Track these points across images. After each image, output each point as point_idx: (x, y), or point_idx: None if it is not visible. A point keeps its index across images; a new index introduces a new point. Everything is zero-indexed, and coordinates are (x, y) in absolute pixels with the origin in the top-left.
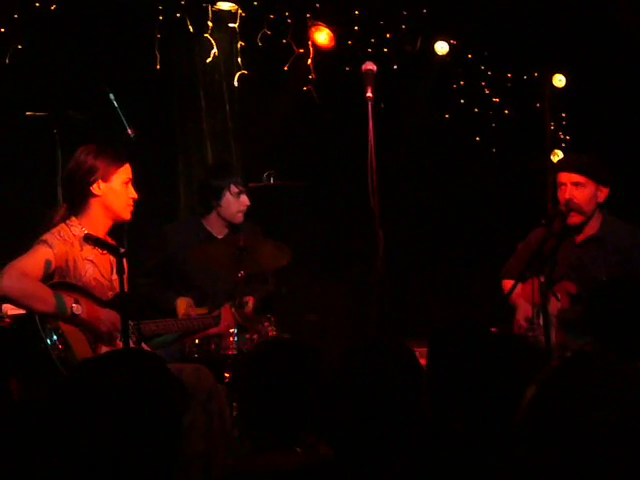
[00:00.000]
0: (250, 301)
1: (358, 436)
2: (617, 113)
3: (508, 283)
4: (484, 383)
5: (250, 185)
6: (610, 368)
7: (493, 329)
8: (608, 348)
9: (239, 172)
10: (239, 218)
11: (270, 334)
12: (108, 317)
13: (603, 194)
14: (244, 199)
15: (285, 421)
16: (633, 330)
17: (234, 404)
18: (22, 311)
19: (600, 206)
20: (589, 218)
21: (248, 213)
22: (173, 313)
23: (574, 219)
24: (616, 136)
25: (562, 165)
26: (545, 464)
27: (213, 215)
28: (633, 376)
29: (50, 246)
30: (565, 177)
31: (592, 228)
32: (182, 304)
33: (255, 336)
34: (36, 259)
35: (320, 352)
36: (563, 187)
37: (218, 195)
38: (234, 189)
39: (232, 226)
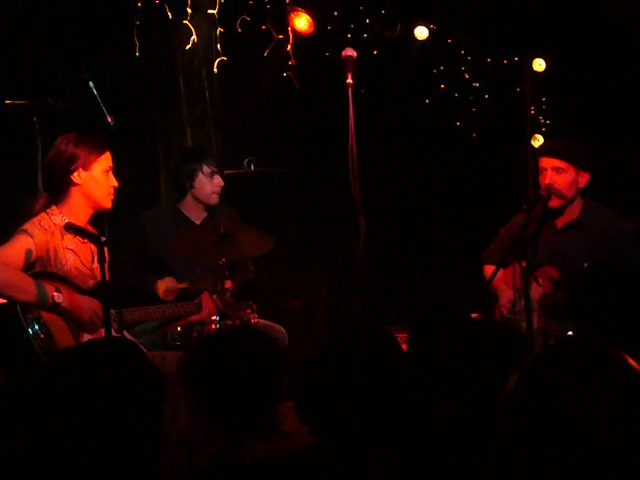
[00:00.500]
0: (229, 286)
1: (341, 424)
2: (597, 97)
3: (489, 268)
4: (465, 368)
5: (229, 172)
6: (592, 356)
7: (474, 315)
8: (590, 335)
9: (212, 154)
10: (214, 199)
11: (252, 321)
12: (89, 305)
13: (584, 179)
14: (218, 179)
15: (257, 411)
16: (614, 316)
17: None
18: (3, 301)
19: (581, 191)
20: (570, 202)
21: (228, 200)
22: (154, 297)
23: (554, 202)
24: (597, 120)
25: (543, 150)
26: (527, 453)
27: (188, 199)
28: (615, 363)
29: (31, 235)
30: (546, 162)
31: (573, 213)
32: (162, 285)
33: (237, 322)
34: (17, 249)
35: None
36: (544, 172)
37: (191, 177)
38: (206, 169)
39: (210, 211)
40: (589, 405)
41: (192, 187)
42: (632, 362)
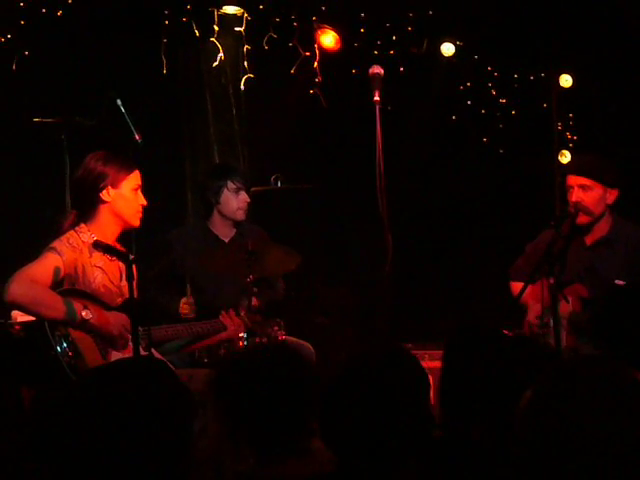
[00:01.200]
0: (255, 304)
1: (361, 443)
2: (624, 113)
3: (516, 284)
4: (499, 386)
5: (256, 189)
6: (606, 375)
7: (504, 331)
8: (610, 354)
9: (239, 171)
10: (239, 215)
11: (280, 338)
12: (118, 320)
13: (612, 196)
14: (243, 195)
15: (287, 430)
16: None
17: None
18: (31, 318)
19: (610, 207)
20: (598, 219)
21: (255, 217)
22: (177, 315)
23: (582, 219)
24: (624, 136)
25: (569, 168)
26: (541, 469)
27: (215, 215)
28: (629, 384)
29: (59, 253)
30: (572, 180)
31: (602, 230)
32: (184, 303)
33: (264, 340)
34: (45, 266)
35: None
36: (571, 190)
37: (217, 193)
38: (231, 185)
39: (239, 228)
40: (600, 424)
41: (218, 203)
42: None
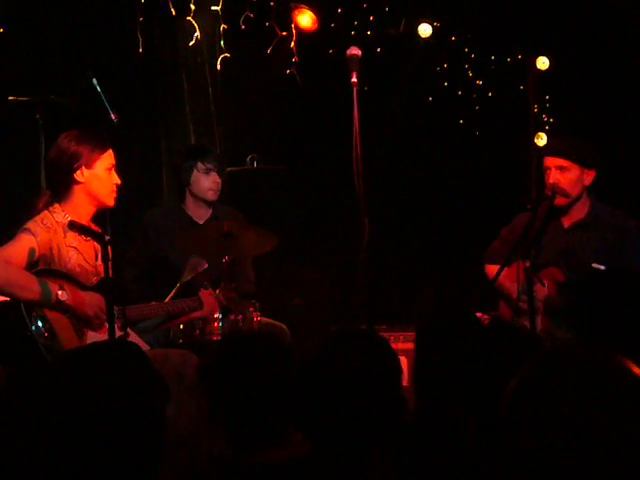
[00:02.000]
0: (231, 284)
1: (334, 429)
2: (601, 95)
3: (491, 268)
4: (472, 370)
5: (232, 169)
6: (591, 361)
7: (479, 314)
8: (591, 340)
9: (210, 152)
10: (210, 195)
11: (255, 319)
12: (94, 301)
13: (589, 177)
14: (213, 176)
15: (267, 416)
16: (617, 322)
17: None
18: (5, 299)
19: (587, 189)
20: (575, 201)
21: (231, 198)
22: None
23: (559, 201)
24: (600, 118)
25: (546, 149)
26: (526, 457)
27: (188, 196)
28: (615, 369)
29: (33, 234)
30: (550, 161)
31: (580, 213)
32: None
33: (240, 317)
34: (19, 247)
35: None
36: (548, 171)
37: (188, 173)
38: (201, 166)
39: (214, 209)
40: (587, 411)
41: (189, 184)
42: (634, 368)
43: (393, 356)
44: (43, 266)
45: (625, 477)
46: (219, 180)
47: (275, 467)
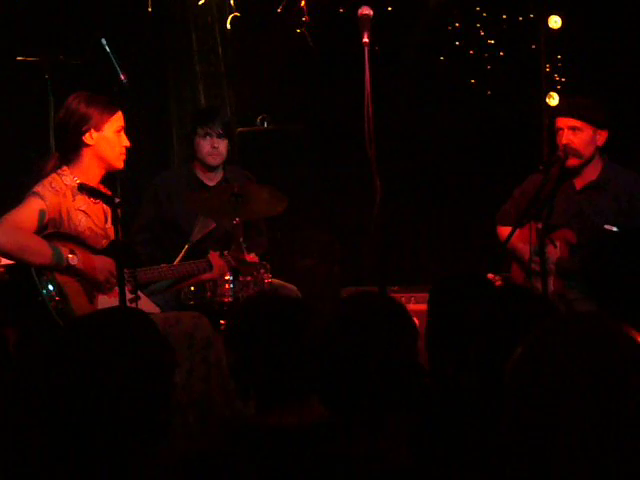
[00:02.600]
0: (242, 245)
1: (352, 393)
2: (613, 54)
3: (503, 229)
4: (485, 332)
5: (242, 129)
6: (597, 331)
7: (490, 275)
8: (603, 301)
9: (211, 116)
10: (210, 160)
11: (266, 281)
12: (104, 265)
13: (602, 137)
14: (212, 141)
15: (284, 377)
16: (631, 285)
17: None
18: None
19: (600, 150)
20: (588, 162)
21: (241, 158)
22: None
23: (572, 161)
24: (613, 78)
25: (558, 110)
26: (529, 425)
27: (196, 161)
28: (622, 345)
29: (42, 198)
30: (562, 122)
31: (592, 174)
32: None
33: (250, 279)
34: (29, 212)
35: (314, 303)
36: (560, 132)
37: (191, 138)
38: (200, 130)
39: (225, 172)
40: (589, 383)
41: (192, 147)
42: (636, 336)
43: (410, 320)
44: (52, 230)
45: (628, 453)
46: (218, 144)
47: (292, 430)
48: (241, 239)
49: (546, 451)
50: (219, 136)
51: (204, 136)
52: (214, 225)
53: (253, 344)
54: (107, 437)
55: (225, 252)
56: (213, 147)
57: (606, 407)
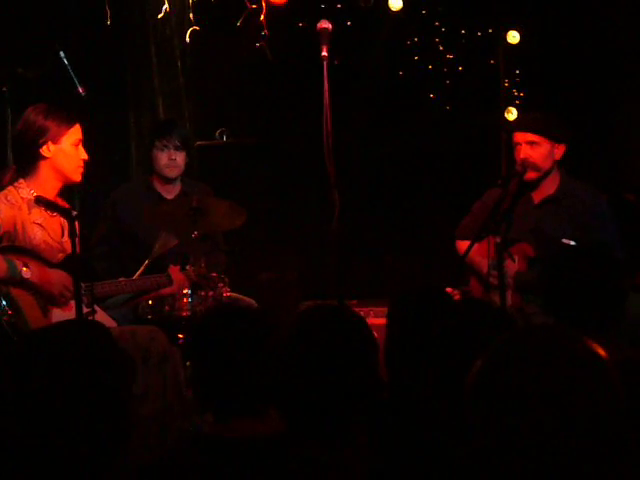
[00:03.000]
0: (200, 259)
1: (310, 406)
2: (571, 69)
3: (462, 243)
4: (443, 346)
5: (201, 143)
6: (554, 344)
7: (448, 289)
8: (559, 315)
9: (169, 129)
10: (168, 172)
11: (224, 294)
12: (59, 279)
13: (560, 151)
14: (170, 153)
15: (243, 389)
16: (587, 299)
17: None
18: None
19: (558, 163)
20: (546, 175)
21: (200, 172)
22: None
23: (530, 175)
24: (570, 93)
25: (516, 125)
26: (490, 438)
27: (154, 173)
28: (578, 352)
29: None
30: (520, 137)
31: (550, 188)
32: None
33: (210, 293)
34: None
35: (273, 316)
36: (518, 147)
37: (148, 150)
38: (158, 143)
39: (183, 185)
40: (550, 394)
41: (150, 160)
42: (598, 350)
43: (369, 333)
44: (7, 243)
45: (591, 459)
46: (175, 157)
47: (250, 441)
48: (200, 253)
49: (507, 461)
50: (176, 148)
51: (162, 148)
52: (177, 242)
53: (210, 355)
54: (66, 450)
55: (187, 266)
56: (170, 159)
57: (566, 418)
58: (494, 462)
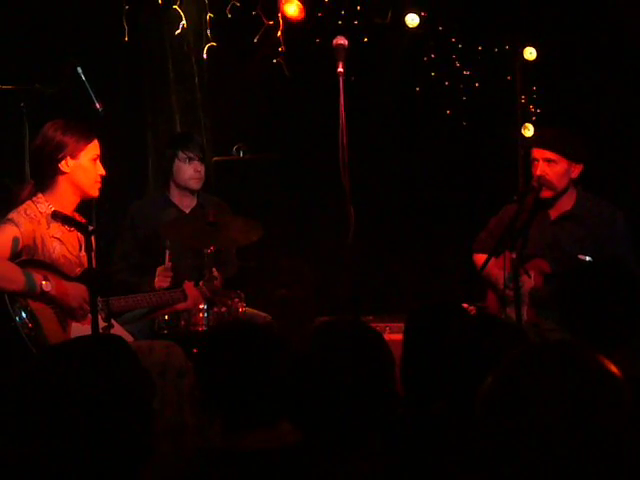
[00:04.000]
0: (216, 274)
1: (326, 420)
2: (588, 86)
3: (479, 257)
4: (460, 362)
5: (218, 158)
6: (568, 361)
7: (465, 304)
8: (575, 331)
9: (193, 140)
10: (193, 184)
11: (240, 310)
12: (77, 292)
13: (576, 170)
14: (195, 165)
15: (253, 402)
16: (603, 315)
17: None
18: None
19: (574, 182)
20: (561, 194)
21: (217, 187)
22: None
23: (545, 193)
24: (587, 109)
25: (535, 140)
26: (501, 455)
27: (172, 186)
28: (592, 369)
29: (17, 224)
30: (538, 153)
31: (566, 204)
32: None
33: (224, 309)
34: (3, 239)
35: (288, 331)
36: (536, 163)
37: (170, 162)
38: (182, 155)
39: (199, 199)
40: (562, 411)
41: (172, 173)
42: (611, 367)
43: (385, 347)
44: (26, 257)
45: (603, 477)
46: (200, 168)
47: (264, 454)
48: (214, 269)
49: (519, 477)
50: (200, 160)
51: (186, 160)
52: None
53: (219, 371)
54: (89, 465)
55: (200, 283)
56: (196, 171)
57: (579, 436)
58: (506, 477)
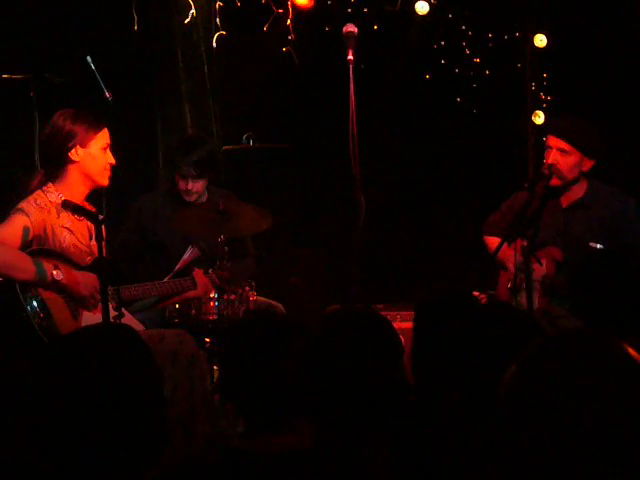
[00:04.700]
0: (226, 263)
1: (337, 410)
2: (598, 73)
3: (490, 239)
4: (470, 350)
5: (228, 147)
6: (591, 348)
7: (475, 292)
8: (589, 319)
9: (191, 158)
10: (186, 197)
11: (251, 299)
12: (88, 281)
13: (588, 165)
14: (190, 184)
15: (273, 402)
16: (616, 302)
17: (215, 368)
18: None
19: (584, 174)
20: (571, 184)
21: (227, 176)
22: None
23: (554, 181)
24: (597, 96)
25: (552, 127)
26: (523, 446)
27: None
28: (614, 355)
29: (27, 214)
30: (552, 141)
31: (578, 192)
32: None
33: (233, 297)
34: (13, 228)
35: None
36: (549, 150)
37: (172, 172)
38: (181, 172)
39: (208, 192)
40: (586, 398)
41: (173, 180)
42: (632, 352)
43: (395, 336)
44: (37, 246)
45: (626, 468)
46: (192, 187)
47: (282, 457)
48: (225, 257)
49: (539, 470)
50: (193, 178)
51: (182, 176)
52: (199, 254)
53: (240, 365)
54: (102, 454)
55: (210, 270)
56: (187, 188)
57: (606, 424)
58: (525, 470)
